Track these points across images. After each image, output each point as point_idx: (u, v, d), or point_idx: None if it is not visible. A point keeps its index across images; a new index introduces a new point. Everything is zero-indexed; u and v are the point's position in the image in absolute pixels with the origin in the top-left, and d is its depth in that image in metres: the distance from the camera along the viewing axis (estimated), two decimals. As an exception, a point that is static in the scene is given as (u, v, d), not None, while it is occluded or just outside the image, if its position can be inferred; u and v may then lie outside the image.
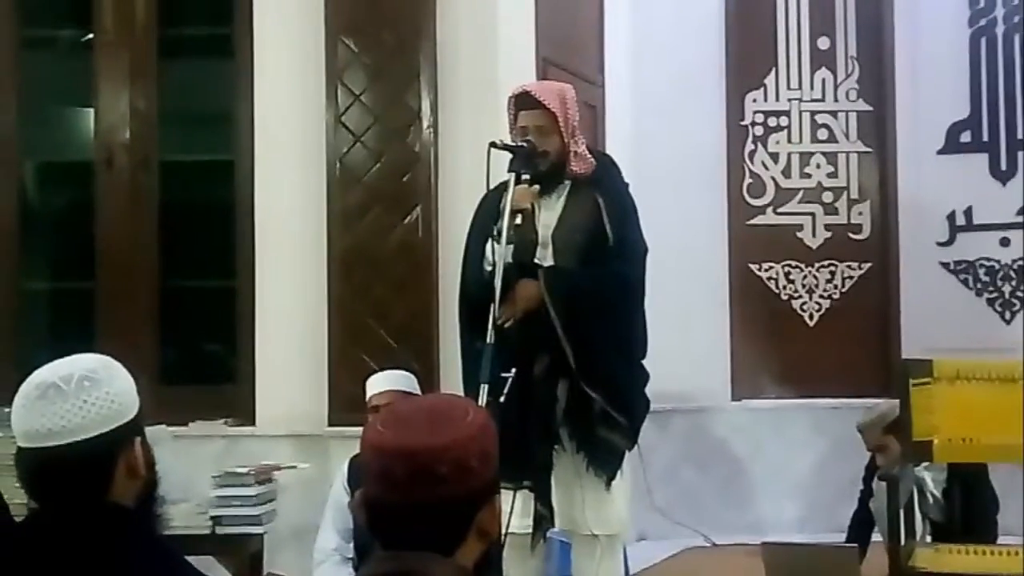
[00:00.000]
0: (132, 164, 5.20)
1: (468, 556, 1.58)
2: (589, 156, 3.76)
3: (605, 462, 3.65)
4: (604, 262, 3.66)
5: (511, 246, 3.45)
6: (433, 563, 1.55)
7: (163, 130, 5.25)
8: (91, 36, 5.28)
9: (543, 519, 3.67)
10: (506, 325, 3.50)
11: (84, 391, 1.81)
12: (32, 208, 5.53)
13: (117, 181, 5.20)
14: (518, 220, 3.48)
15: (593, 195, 3.70)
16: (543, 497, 3.65)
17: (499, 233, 3.44)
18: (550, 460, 3.65)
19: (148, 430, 1.92)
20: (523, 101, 3.70)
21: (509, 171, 3.57)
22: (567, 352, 3.58)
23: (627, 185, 3.84)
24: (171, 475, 2.36)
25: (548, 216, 3.70)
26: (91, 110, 5.27)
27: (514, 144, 3.64)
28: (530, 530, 3.67)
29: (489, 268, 3.54)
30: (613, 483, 3.66)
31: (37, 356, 2.02)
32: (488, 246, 3.58)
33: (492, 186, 3.67)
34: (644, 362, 3.79)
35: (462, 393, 3.67)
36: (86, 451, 1.80)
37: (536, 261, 3.65)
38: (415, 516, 1.56)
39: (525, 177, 3.56)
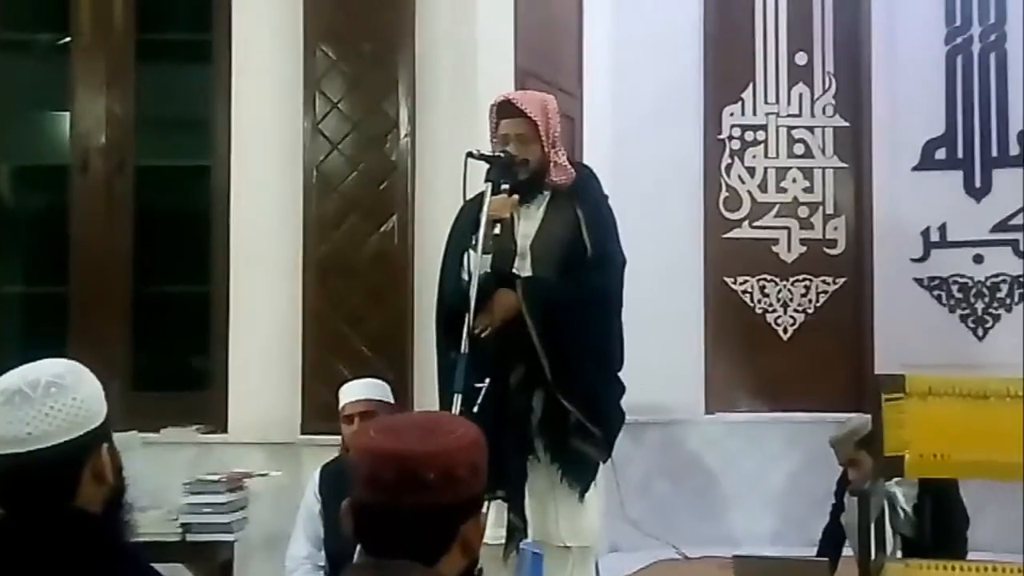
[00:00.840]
0: (107, 169, 5.16)
1: (451, 569, 1.58)
2: (569, 167, 3.76)
3: (579, 474, 3.64)
4: (582, 273, 3.66)
5: (489, 255, 3.46)
6: (414, 572, 1.55)
7: (139, 135, 5.21)
8: (68, 40, 5.25)
9: (516, 529, 3.66)
10: (483, 335, 3.50)
11: (51, 397, 1.80)
12: (6, 212, 5.49)
13: (92, 185, 5.16)
14: (497, 230, 3.48)
15: (572, 206, 3.70)
16: (517, 507, 3.64)
17: (477, 243, 3.43)
18: (524, 471, 3.64)
19: (119, 436, 1.91)
20: (504, 110, 3.70)
21: (486, 181, 3.57)
22: (543, 363, 3.58)
23: (606, 197, 3.84)
24: (141, 482, 2.34)
25: (527, 226, 3.70)
26: (67, 114, 5.23)
27: (491, 154, 3.64)
28: (503, 540, 3.66)
29: (467, 278, 3.53)
30: (586, 495, 3.65)
31: (8, 360, 2.00)
32: (466, 256, 3.58)
33: (469, 195, 3.67)
34: (619, 374, 3.79)
35: (437, 403, 3.67)
36: (52, 457, 1.79)
37: (514, 271, 3.65)
38: (400, 521, 1.56)
39: (505, 187, 3.56)
